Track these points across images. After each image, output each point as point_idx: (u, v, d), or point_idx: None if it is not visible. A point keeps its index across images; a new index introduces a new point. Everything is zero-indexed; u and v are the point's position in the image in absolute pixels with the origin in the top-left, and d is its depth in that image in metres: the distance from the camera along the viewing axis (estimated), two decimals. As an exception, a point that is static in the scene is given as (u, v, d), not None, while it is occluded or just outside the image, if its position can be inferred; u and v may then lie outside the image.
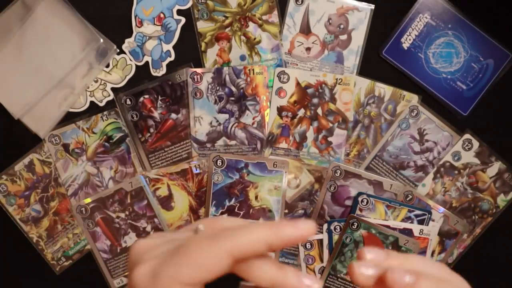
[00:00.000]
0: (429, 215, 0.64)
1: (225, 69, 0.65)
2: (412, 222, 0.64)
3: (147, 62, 0.66)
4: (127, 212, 0.67)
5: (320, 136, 0.66)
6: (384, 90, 0.65)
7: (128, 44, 0.66)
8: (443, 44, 0.64)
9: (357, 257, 0.29)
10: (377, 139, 0.65)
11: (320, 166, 0.66)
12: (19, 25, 0.65)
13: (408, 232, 0.63)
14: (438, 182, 0.65)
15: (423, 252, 0.64)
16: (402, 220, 0.64)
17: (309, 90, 0.65)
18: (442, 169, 0.65)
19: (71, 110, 0.66)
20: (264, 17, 0.65)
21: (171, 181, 0.67)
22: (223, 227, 0.31)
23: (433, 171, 0.65)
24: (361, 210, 0.64)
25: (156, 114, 0.66)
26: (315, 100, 0.66)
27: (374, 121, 0.65)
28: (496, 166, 0.65)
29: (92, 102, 0.66)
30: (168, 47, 0.66)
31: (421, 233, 0.64)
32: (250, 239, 0.25)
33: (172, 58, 0.66)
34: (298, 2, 0.65)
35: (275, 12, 0.65)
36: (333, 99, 0.65)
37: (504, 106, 0.65)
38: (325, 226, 0.65)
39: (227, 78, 0.66)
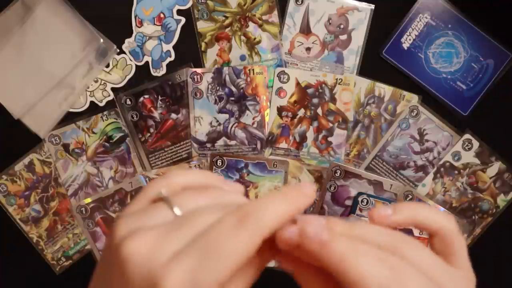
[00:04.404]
0: (429, 215, 0.64)
1: (225, 69, 0.65)
2: (412, 222, 0.64)
3: (147, 62, 0.66)
4: (127, 212, 0.67)
5: (320, 136, 0.66)
6: (384, 90, 0.65)
7: (128, 44, 0.66)
8: (443, 44, 0.64)
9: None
10: (377, 139, 0.65)
11: (320, 166, 0.66)
12: (19, 25, 0.65)
13: (408, 232, 0.63)
14: (438, 182, 0.65)
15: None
16: (402, 220, 0.64)
17: (309, 90, 0.65)
18: (442, 169, 0.65)
19: (71, 110, 0.66)
20: (264, 17, 0.65)
21: (171, 181, 0.67)
22: (185, 185, 0.28)
23: (433, 171, 0.65)
24: (361, 210, 0.64)
25: (156, 114, 0.66)
26: (315, 100, 0.66)
27: (374, 121, 0.65)
28: (496, 166, 0.65)
29: (92, 102, 0.66)
30: (168, 47, 0.66)
31: (421, 233, 0.64)
32: (276, 218, 0.24)
33: (172, 58, 0.66)
34: (298, 2, 0.65)
35: (275, 12, 0.65)
36: (333, 99, 0.65)
37: (504, 106, 0.65)
38: (325, 226, 0.65)
39: (227, 78, 0.66)
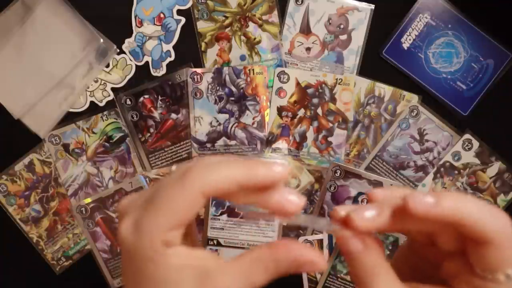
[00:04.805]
0: (429, 215, 0.64)
1: (225, 69, 0.65)
2: (412, 222, 0.64)
3: (147, 62, 0.66)
4: (127, 212, 0.67)
5: (320, 136, 0.66)
6: (384, 90, 0.65)
7: (128, 44, 0.66)
8: (443, 44, 0.64)
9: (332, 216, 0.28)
10: (377, 139, 0.65)
11: (320, 166, 0.66)
12: (19, 25, 0.65)
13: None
14: (438, 182, 0.65)
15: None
16: (402, 220, 0.64)
17: (309, 90, 0.65)
18: (442, 169, 0.65)
19: (71, 110, 0.67)
20: (264, 17, 0.65)
21: (171, 181, 0.67)
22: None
23: (433, 171, 0.65)
24: (361, 210, 0.64)
25: (156, 114, 0.66)
26: (315, 100, 0.66)
27: (374, 121, 0.65)
28: (496, 166, 0.65)
29: (92, 102, 0.66)
30: (168, 47, 0.66)
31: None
32: (220, 177, 0.25)
33: (172, 58, 0.66)
34: (298, 2, 0.65)
35: (275, 12, 0.65)
36: (333, 99, 0.65)
37: (504, 106, 0.65)
38: (325, 226, 0.65)
39: (227, 78, 0.66)
